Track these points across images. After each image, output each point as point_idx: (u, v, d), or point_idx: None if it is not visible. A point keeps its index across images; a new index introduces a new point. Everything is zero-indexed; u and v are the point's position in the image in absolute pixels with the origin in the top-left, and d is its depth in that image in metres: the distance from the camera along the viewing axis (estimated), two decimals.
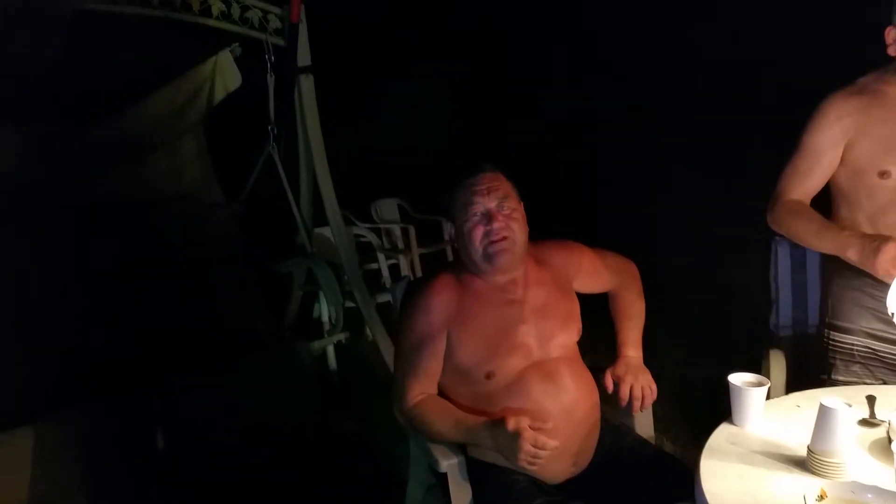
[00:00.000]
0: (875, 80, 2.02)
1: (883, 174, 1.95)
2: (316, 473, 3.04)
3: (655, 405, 2.83)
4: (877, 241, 1.83)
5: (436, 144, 6.43)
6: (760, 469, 1.50)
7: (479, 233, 1.87)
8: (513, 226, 1.88)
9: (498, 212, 1.88)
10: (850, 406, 1.46)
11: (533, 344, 1.90)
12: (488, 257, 1.87)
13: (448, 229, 1.99)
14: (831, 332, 2.14)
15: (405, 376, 1.93)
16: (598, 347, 2.24)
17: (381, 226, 5.54)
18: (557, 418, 1.83)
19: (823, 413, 1.44)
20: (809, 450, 1.47)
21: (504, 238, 1.86)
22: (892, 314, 1.62)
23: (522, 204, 1.96)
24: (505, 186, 1.92)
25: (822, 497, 1.24)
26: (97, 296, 3.01)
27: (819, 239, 2.03)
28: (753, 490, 1.42)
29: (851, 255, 1.90)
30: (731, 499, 1.39)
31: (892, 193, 1.96)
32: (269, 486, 2.92)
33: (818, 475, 1.43)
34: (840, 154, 2.03)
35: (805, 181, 2.08)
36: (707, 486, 1.44)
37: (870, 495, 1.25)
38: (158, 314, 3.18)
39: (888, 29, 1.93)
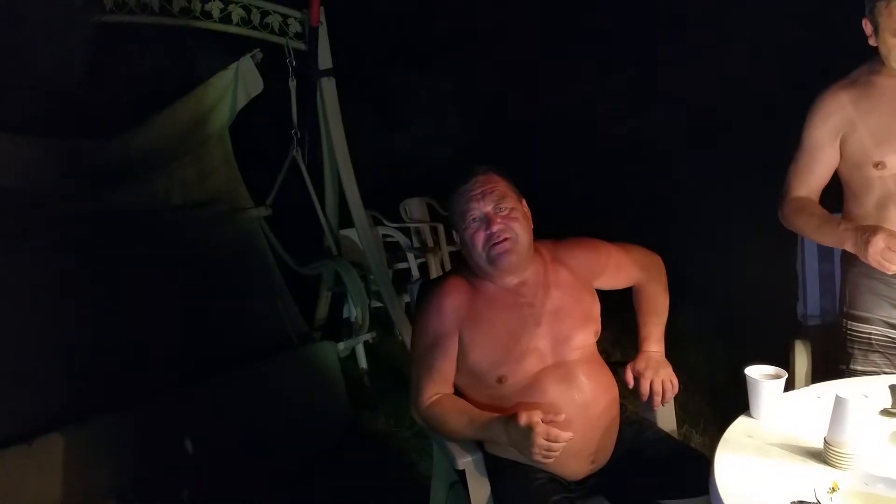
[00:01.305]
0: (867, 72, 2.01)
1: (878, 165, 1.94)
2: (346, 471, 3.07)
3: (684, 398, 2.81)
4: (867, 233, 1.83)
5: (463, 141, 6.44)
6: (776, 461, 1.48)
7: (480, 238, 1.86)
8: (513, 226, 1.86)
9: (495, 214, 1.86)
10: (866, 397, 1.43)
11: (547, 347, 1.88)
12: (492, 260, 1.86)
13: (455, 236, 1.98)
14: (849, 322, 2.11)
15: (420, 378, 1.93)
16: (625, 341, 2.22)
17: (411, 225, 5.57)
18: (574, 417, 1.81)
19: (837, 404, 1.42)
20: (826, 441, 1.45)
21: (505, 239, 1.84)
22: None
23: (524, 200, 1.94)
24: (500, 187, 1.89)
25: (834, 489, 1.22)
26: (127, 300, 3.07)
27: (820, 234, 2.04)
28: (767, 483, 1.40)
29: (849, 247, 1.91)
30: (745, 492, 1.38)
31: (890, 184, 1.95)
32: (300, 484, 2.96)
33: (833, 466, 1.41)
34: (837, 149, 2.03)
35: (807, 178, 2.09)
36: (721, 480, 1.42)
37: (881, 485, 1.23)
38: (188, 317, 3.24)
39: (864, 21, 1.92)
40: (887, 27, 1.85)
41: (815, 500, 1.18)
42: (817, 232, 2.04)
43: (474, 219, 1.87)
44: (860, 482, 1.25)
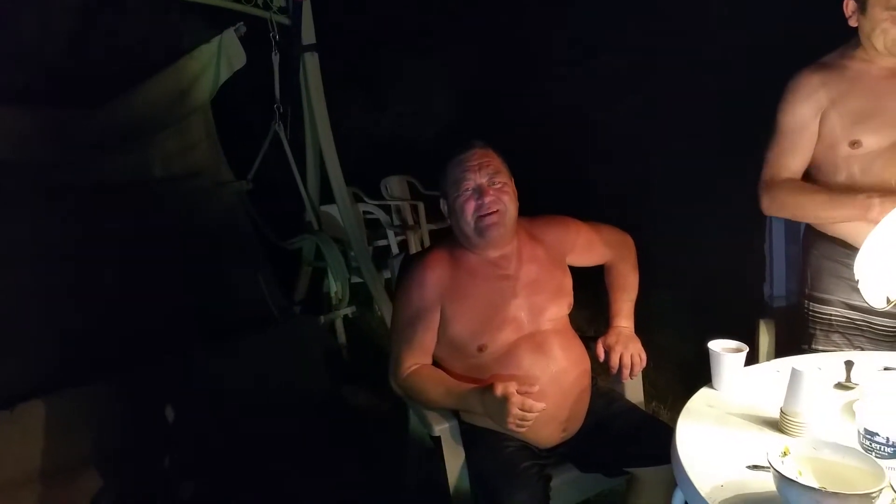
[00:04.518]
0: (838, 57, 2.06)
1: (854, 143, 1.98)
2: (325, 443, 3.13)
3: (654, 375, 2.88)
4: None
5: (445, 121, 6.47)
6: (734, 429, 1.57)
7: (470, 207, 1.93)
8: (503, 199, 1.93)
9: (489, 187, 1.93)
10: (820, 369, 1.51)
11: (524, 317, 1.96)
12: (480, 231, 1.93)
13: (442, 205, 2.04)
14: (811, 303, 2.17)
15: (400, 348, 2.00)
16: (600, 320, 2.30)
17: (391, 202, 5.61)
18: (546, 385, 1.90)
19: (793, 376, 1.50)
20: (781, 411, 1.53)
21: (495, 212, 1.92)
22: (858, 280, 1.65)
23: (513, 179, 2.01)
24: (495, 162, 1.97)
25: (785, 454, 1.30)
26: (108, 272, 3.08)
27: (832, 208, 2.00)
28: (726, 449, 1.48)
29: (875, 215, 1.82)
30: (705, 457, 1.45)
31: (863, 162, 1.99)
32: (280, 455, 3.01)
33: (788, 434, 1.50)
34: (818, 127, 2.05)
35: (792, 160, 2.08)
36: (682, 446, 1.50)
37: (827, 450, 1.31)
38: (170, 289, 3.26)
39: (846, 1, 1.96)
40: (878, 1, 1.87)
41: (768, 464, 1.26)
42: (829, 205, 1.99)
43: (468, 188, 1.93)
44: (810, 447, 1.33)
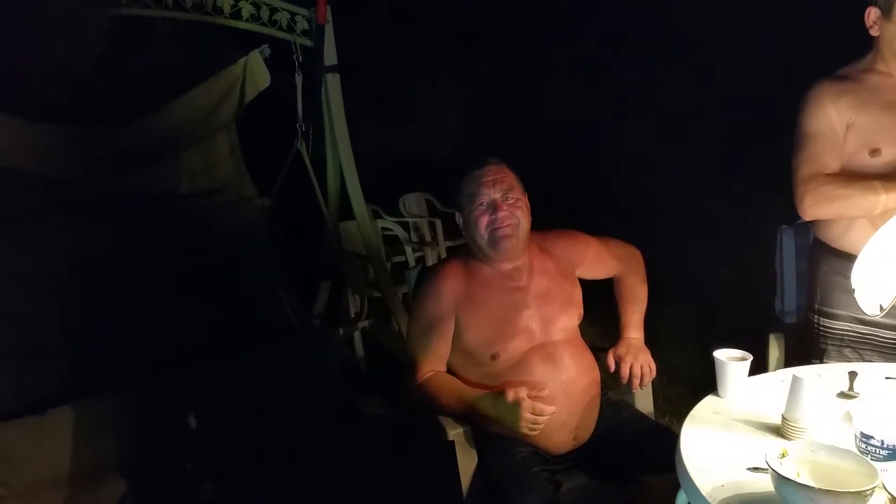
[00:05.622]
0: (854, 70, 2.07)
1: (874, 152, 1.98)
2: (342, 453, 3.19)
3: (668, 390, 2.93)
4: None
5: (462, 139, 6.56)
6: (737, 434, 1.62)
7: (484, 221, 2.01)
8: (517, 214, 2.01)
9: (503, 202, 2.00)
10: (819, 376, 1.56)
11: (535, 328, 2.03)
12: (493, 244, 2.01)
13: (458, 218, 2.12)
14: (821, 319, 2.19)
15: (416, 356, 2.08)
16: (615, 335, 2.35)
17: (409, 219, 5.69)
18: (557, 393, 1.96)
19: (794, 382, 1.56)
20: (783, 416, 1.59)
21: (508, 226, 1.99)
22: (854, 290, 1.70)
23: (526, 195, 2.08)
24: (509, 178, 2.05)
25: (783, 455, 1.35)
26: (135, 284, 3.18)
27: (884, 190, 1.90)
28: (728, 452, 1.54)
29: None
30: (707, 459, 1.51)
31: (882, 171, 1.98)
32: (298, 464, 3.08)
33: (788, 439, 1.55)
34: (844, 133, 2.01)
35: (830, 159, 2.02)
36: (686, 449, 1.56)
37: (824, 453, 1.36)
38: (194, 301, 3.36)
39: (868, 9, 1.97)
40: None
41: (767, 465, 1.31)
42: (881, 189, 1.90)
43: (482, 203, 2.01)
44: (807, 450, 1.38)
